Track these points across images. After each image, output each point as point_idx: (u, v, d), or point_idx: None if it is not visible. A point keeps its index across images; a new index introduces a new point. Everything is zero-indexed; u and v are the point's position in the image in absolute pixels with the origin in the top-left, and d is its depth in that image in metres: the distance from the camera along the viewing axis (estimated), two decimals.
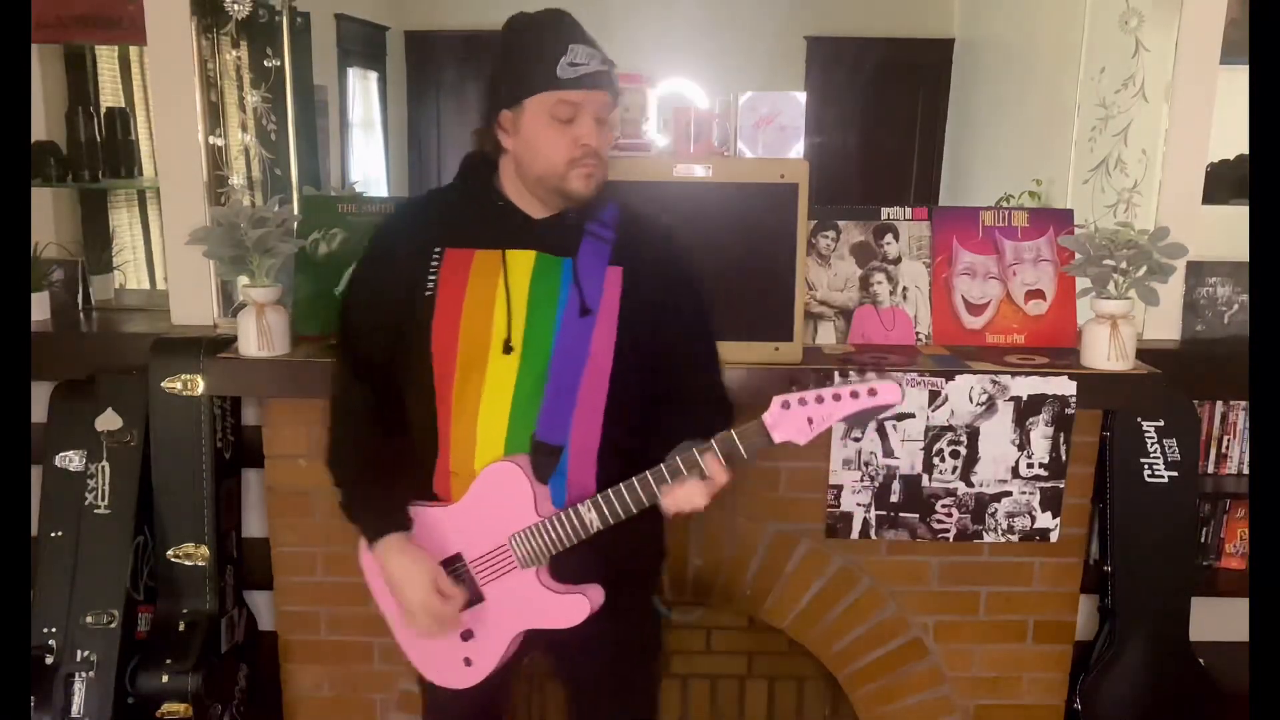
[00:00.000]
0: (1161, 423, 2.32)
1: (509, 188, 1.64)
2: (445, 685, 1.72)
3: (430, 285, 1.60)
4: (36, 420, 2.30)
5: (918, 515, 2.14)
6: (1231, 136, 2.49)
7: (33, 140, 2.70)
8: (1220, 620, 2.45)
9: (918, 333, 2.26)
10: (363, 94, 5.61)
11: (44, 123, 2.82)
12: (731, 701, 2.55)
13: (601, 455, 1.62)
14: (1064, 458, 2.11)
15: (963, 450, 2.10)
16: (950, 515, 2.14)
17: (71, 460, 2.28)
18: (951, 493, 2.13)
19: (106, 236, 3.16)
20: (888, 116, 5.83)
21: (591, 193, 1.58)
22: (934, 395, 2.06)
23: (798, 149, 2.26)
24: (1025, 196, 3.74)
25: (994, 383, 2.06)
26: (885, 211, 2.27)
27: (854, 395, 1.47)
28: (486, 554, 1.62)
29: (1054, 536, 2.16)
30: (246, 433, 2.36)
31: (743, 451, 1.51)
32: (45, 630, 2.21)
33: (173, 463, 2.25)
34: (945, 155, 5.69)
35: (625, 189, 1.75)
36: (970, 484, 2.12)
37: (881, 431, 2.09)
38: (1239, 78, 2.12)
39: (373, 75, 5.74)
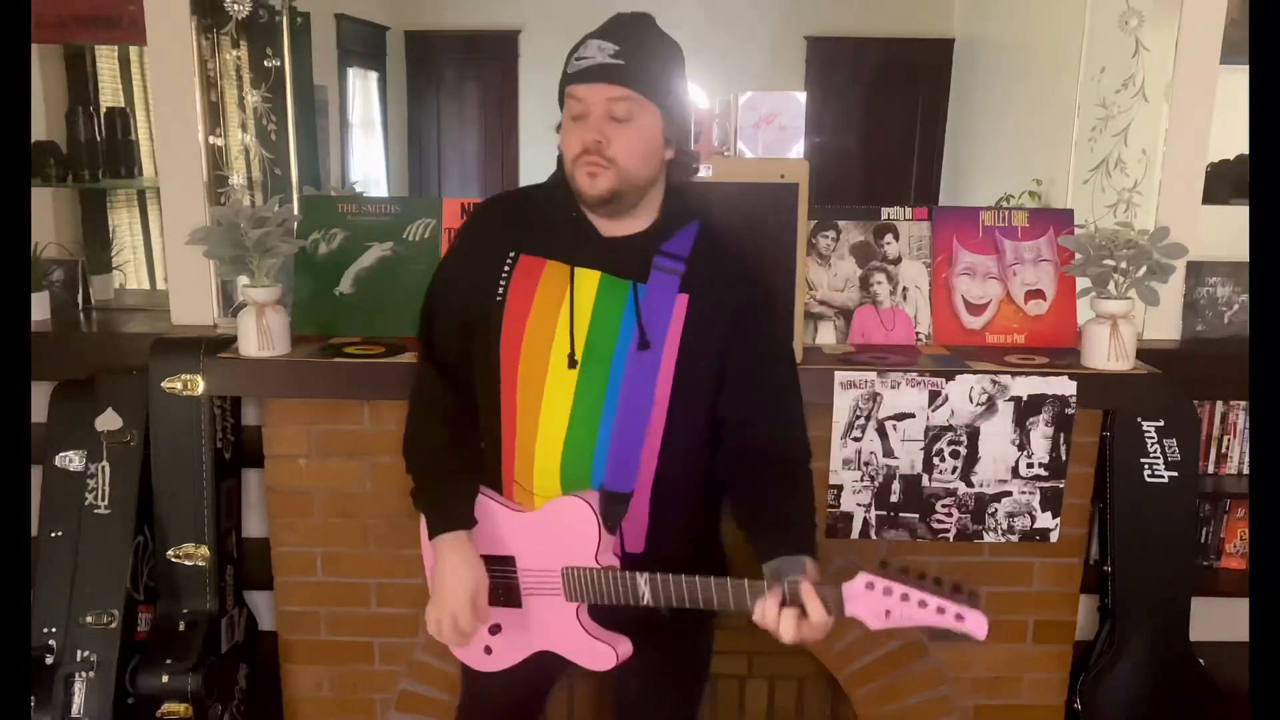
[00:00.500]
0: (1161, 423, 2.32)
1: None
2: (460, 658, 1.74)
3: (500, 292, 1.59)
4: (36, 420, 2.30)
5: (918, 515, 2.14)
6: (1231, 136, 2.48)
7: (33, 140, 2.70)
8: (1220, 620, 2.46)
9: (918, 333, 2.26)
10: (363, 94, 5.61)
11: (44, 123, 2.82)
12: (731, 701, 2.55)
13: (655, 491, 1.60)
14: (1064, 458, 2.10)
15: (963, 450, 2.10)
16: (950, 515, 2.14)
17: (71, 460, 2.28)
18: (951, 493, 2.13)
19: (106, 236, 3.16)
20: (888, 116, 5.84)
21: (597, 193, 1.51)
22: (934, 395, 2.06)
23: (798, 149, 2.26)
24: (1025, 196, 3.74)
25: (994, 383, 2.06)
26: (885, 211, 2.27)
27: (940, 611, 1.38)
28: (538, 570, 1.62)
29: (1054, 536, 2.16)
30: (246, 433, 2.37)
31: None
32: (45, 630, 2.21)
33: (173, 463, 2.25)
34: (945, 155, 5.69)
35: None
36: (970, 484, 2.12)
37: (881, 431, 2.09)
38: (1239, 78, 2.12)
39: (373, 75, 5.75)
